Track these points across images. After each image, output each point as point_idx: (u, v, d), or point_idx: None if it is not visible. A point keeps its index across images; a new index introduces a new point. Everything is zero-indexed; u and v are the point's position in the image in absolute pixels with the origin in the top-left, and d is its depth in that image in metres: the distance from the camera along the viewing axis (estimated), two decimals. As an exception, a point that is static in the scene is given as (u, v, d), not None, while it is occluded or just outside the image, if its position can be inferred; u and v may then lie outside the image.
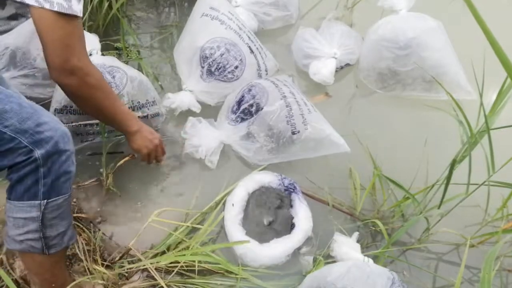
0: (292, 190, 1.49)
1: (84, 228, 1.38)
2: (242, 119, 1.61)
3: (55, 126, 1.05)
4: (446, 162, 1.29)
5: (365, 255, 1.33)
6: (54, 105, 1.51)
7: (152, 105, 1.62)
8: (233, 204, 1.46)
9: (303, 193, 1.51)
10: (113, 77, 1.52)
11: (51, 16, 1.04)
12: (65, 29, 1.06)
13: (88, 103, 1.21)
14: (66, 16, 1.04)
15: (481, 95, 1.18)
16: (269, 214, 1.45)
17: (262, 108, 1.58)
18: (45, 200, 1.06)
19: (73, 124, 1.52)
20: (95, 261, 1.32)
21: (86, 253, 1.30)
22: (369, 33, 1.90)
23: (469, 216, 1.47)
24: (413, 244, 1.46)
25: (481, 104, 1.16)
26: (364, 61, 1.94)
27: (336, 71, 1.90)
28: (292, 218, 1.45)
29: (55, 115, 1.51)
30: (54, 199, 1.07)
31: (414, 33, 1.79)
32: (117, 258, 1.34)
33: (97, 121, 1.53)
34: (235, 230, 1.41)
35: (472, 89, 1.81)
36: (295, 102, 1.59)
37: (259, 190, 1.51)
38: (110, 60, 1.58)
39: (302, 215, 1.44)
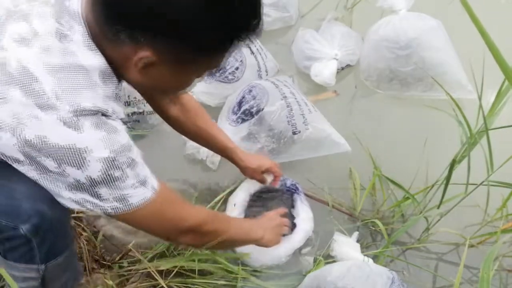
0: (294, 191, 1.50)
1: (84, 228, 1.39)
2: (243, 120, 1.61)
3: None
4: (446, 162, 1.29)
5: (365, 255, 1.33)
6: None
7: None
8: (234, 205, 1.46)
9: (304, 193, 1.52)
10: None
11: (126, 218, 0.93)
12: (147, 218, 0.94)
13: (211, 245, 1.12)
14: (134, 209, 0.91)
15: (479, 98, 1.18)
16: None
17: (262, 109, 1.58)
18: (43, 265, 0.97)
19: None
20: (96, 261, 1.33)
21: (87, 253, 1.31)
22: (369, 34, 1.91)
23: (469, 216, 1.47)
24: (413, 244, 1.47)
25: (480, 106, 1.16)
26: (364, 62, 1.94)
27: (337, 72, 1.91)
28: (294, 218, 1.45)
29: None
30: (53, 260, 0.99)
31: (415, 33, 1.79)
32: (117, 259, 1.35)
33: None
34: None
35: (472, 88, 1.81)
36: (295, 102, 1.59)
37: (261, 191, 1.51)
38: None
39: (304, 216, 1.44)
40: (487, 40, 0.79)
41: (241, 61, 1.73)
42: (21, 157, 0.81)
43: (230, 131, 1.62)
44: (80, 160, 0.80)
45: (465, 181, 1.26)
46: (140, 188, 0.90)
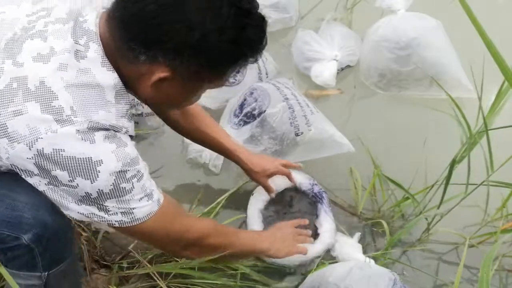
0: (318, 200, 1.48)
1: (84, 228, 1.39)
2: (245, 122, 1.61)
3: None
4: (446, 162, 1.29)
5: (366, 256, 1.33)
6: None
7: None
8: (252, 194, 1.49)
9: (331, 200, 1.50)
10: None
11: (131, 231, 0.95)
12: (150, 232, 0.96)
13: (216, 257, 1.13)
14: (139, 223, 0.93)
15: (479, 98, 1.18)
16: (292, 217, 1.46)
17: (264, 111, 1.57)
18: (46, 272, 0.97)
19: None
20: (95, 261, 1.33)
21: (87, 253, 1.31)
22: (369, 34, 1.91)
23: (469, 216, 1.47)
24: (413, 244, 1.46)
25: (480, 107, 1.16)
26: (364, 62, 1.94)
27: (337, 73, 1.91)
28: (316, 228, 1.43)
29: None
30: (55, 268, 0.99)
31: (415, 33, 1.80)
32: (117, 259, 1.35)
33: None
34: (255, 218, 1.43)
35: (472, 87, 1.81)
36: (297, 104, 1.59)
37: (289, 188, 1.52)
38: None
39: (326, 228, 1.41)
40: (486, 40, 0.79)
41: (242, 63, 1.72)
42: (35, 170, 0.83)
43: (232, 134, 1.62)
44: (94, 173, 0.83)
45: (465, 181, 1.26)
46: (146, 201, 0.92)
